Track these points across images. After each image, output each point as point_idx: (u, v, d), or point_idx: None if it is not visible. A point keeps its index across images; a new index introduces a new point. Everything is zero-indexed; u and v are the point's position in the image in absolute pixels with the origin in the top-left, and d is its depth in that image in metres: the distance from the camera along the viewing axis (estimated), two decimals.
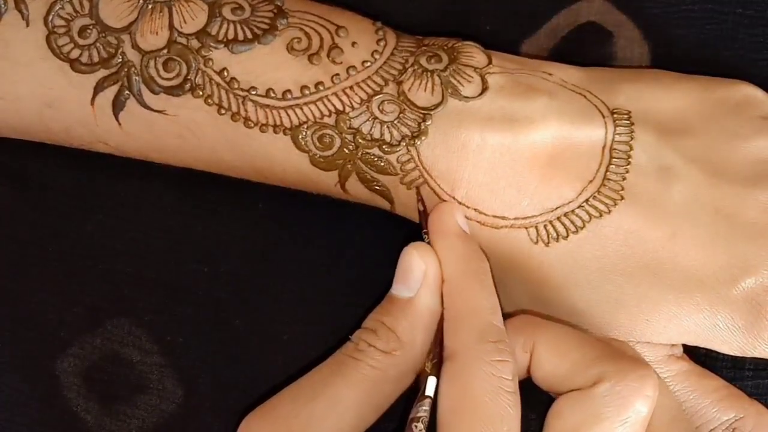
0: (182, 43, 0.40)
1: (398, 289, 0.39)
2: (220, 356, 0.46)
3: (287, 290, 0.46)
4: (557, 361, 0.37)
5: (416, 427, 0.35)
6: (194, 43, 0.40)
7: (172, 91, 0.40)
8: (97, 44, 0.41)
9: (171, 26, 0.40)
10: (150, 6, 0.41)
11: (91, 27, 0.41)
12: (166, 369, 0.46)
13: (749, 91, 0.42)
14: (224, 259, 0.46)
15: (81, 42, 0.41)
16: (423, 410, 0.36)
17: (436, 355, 0.38)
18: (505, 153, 0.40)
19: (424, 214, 0.40)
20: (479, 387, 0.36)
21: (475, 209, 0.40)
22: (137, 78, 0.41)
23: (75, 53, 0.41)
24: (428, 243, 0.40)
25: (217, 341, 0.46)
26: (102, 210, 0.44)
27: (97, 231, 0.47)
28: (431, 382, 0.37)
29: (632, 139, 0.40)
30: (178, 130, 0.41)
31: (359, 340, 0.38)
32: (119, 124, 0.41)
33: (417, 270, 0.39)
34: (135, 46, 0.40)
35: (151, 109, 0.41)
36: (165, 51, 0.40)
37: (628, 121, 0.41)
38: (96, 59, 0.41)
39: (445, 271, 0.39)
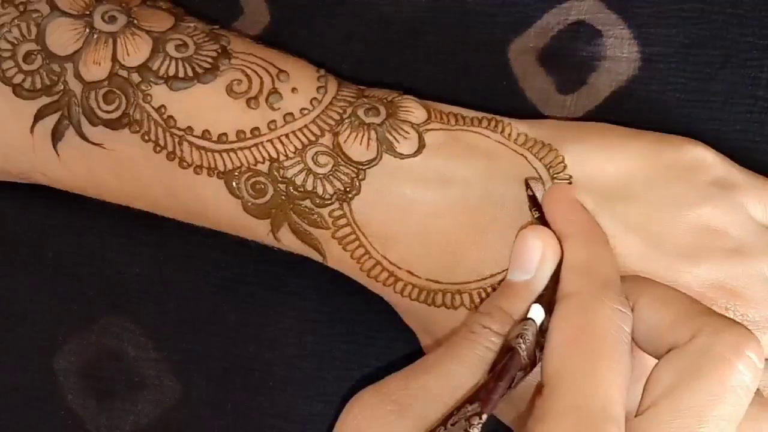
0: (123, 76, 0.40)
1: (514, 274, 0.38)
2: (215, 350, 0.46)
3: (282, 282, 0.46)
4: (660, 312, 0.35)
5: (519, 344, 0.35)
6: (135, 77, 0.40)
7: (111, 124, 0.40)
8: (41, 71, 0.40)
9: (114, 58, 0.40)
10: (96, 36, 0.40)
11: (36, 53, 0.40)
12: (162, 364, 0.46)
13: (698, 153, 0.40)
14: (217, 252, 0.46)
15: (25, 67, 0.40)
16: (524, 329, 0.35)
17: (547, 298, 0.37)
18: (438, 215, 0.39)
19: (533, 199, 0.39)
20: (600, 324, 0.34)
21: (407, 271, 0.39)
22: (77, 108, 0.40)
23: (18, 78, 0.40)
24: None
25: (212, 335, 0.46)
26: (94, 207, 0.44)
27: (90, 228, 0.47)
28: (536, 307, 0.36)
29: None
30: (114, 165, 0.41)
31: (473, 323, 0.36)
32: (57, 154, 0.41)
33: (534, 251, 0.37)
34: (77, 75, 0.40)
35: (90, 142, 0.40)
36: (106, 83, 0.40)
37: None
38: (39, 86, 0.40)
39: (567, 230, 0.38)
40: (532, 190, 0.39)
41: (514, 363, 0.35)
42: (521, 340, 0.35)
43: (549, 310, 0.36)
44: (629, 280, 0.37)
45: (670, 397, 0.33)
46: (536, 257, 0.37)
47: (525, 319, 0.36)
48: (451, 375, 0.35)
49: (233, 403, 0.46)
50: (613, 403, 0.33)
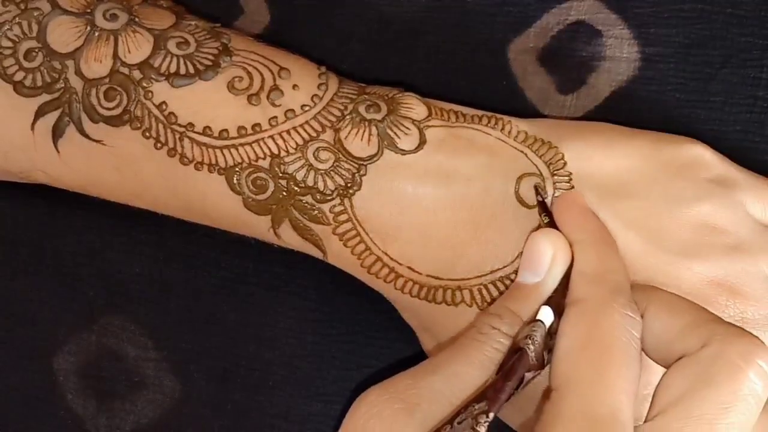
0: (124, 73, 0.40)
1: (525, 276, 0.38)
2: (216, 350, 0.46)
3: (282, 282, 0.46)
4: (669, 321, 0.35)
5: (527, 344, 0.35)
6: (136, 74, 0.40)
7: (112, 121, 0.40)
8: (42, 68, 0.40)
9: (115, 55, 0.40)
10: (97, 33, 0.40)
11: (37, 50, 0.40)
12: (162, 364, 0.46)
13: (697, 151, 0.40)
14: (217, 252, 0.46)
15: (26, 65, 0.40)
16: (533, 330, 0.35)
17: (556, 300, 0.37)
18: (439, 211, 0.39)
19: (542, 205, 0.39)
20: (610, 329, 0.34)
21: (408, 267, 0.39)
22: (78, 105, 0.40)
23: (19, 75, 0.40)
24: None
25: (212, 335, 0.46)
26: (94, 207, 0.44)
27: (90, 228, 0.47)
28: (545, 309, 0.36)
29: None
30: (115, 162, 0.41)
31: (482, 324, 0.36)
32: (58, 151, 0.41)
33: (545, 254, 0.37)
34: (78, 72, 0.40)
35: (90, 138, 0.40)
36: (107, 80, 0.40)
37: (568, 184, 0.39)
38: (39, 83, 0.40)
39: (577, 235, 0.38)
40: (542, 196, 0.39)
41: (523, 363, 0.35)
42: (530, 341, 0.35)
43: (558, 313, 0.36)
44: (638, 289, 0.37)
45: (681, 404, 0.33)
46: (547, 260, 0.37)
47: (534, 320, 0.36)
48: (459, 375, 0.35)
49: (233, 403, 0.46)
50: (622, 409, 0.33)
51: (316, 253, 0.41)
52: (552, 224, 0.39)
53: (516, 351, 0.35)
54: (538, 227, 0.39)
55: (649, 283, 0.38)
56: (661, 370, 0.35)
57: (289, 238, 0.41)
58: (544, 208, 0.39)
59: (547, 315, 0.36)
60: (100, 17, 0.41)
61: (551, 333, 0.36)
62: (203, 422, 0.46)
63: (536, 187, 0.39)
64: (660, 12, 0.43)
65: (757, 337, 0.34)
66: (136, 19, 0.41)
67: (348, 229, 0.40)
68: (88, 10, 0.41)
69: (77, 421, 0.47)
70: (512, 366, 0.35)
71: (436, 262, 0.39)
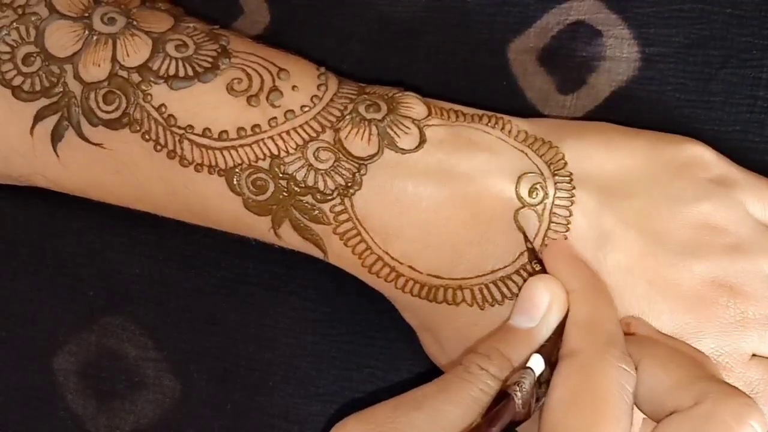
0: (123, 76, 0.40)
1: (518, 320, 0.37)
2: (216, 350, 0.46)
3: (282, 282, 0.46)
4: (662, 376, 0.35)
5: (515, 391, 0.34)
6: (135, 77, 0.40)
7: (111, 124, 0.40)
8: (40, 73, 0.40)
9: (113, 59, 0.40)
10: (95, 37, 0.40)
11: (35, 55, 0.40)
12: (162, 364, 0.46)
13: (697, 151, 0.40)
14: (217, 252, 0.46)
15: (24, 69, 0.40)
16: (522, 378, 0.35)
17: (547, 350, 0.37)
18: (439, 210, 0.39)
19: (532, 251, 0.39)
20: (604, 383, 0.34)
21: (409, 266, 0.39)
22: (77, 109, 0.40)
23: (17, 80, 0.40)
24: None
25: (212, 335, 0.46)
26: (94, 207, 0.44)
27: (90, 228, 0.47)
28: (536, 357, 0.36)
29: (572, 203, 0.39)
30: (114, 165, 0.41)
31: (471, 363, 0.36)
32: (57, 155, 0.41)
33: (542, 301, 0.37)
34: (77, 76, 0.40)
35: (90, 142, 0.40)
36: (106, 83, 0.40)
37: (569, 184, 0.39)
38: (38, 88, 0.40)
39: (570, 285, 0.37)
40: (531, 243, 0.39)
41: (509, 410, 0.34)
42: (518, 388, 0.35)
43: (548, 362, 0.36)
44: (633, 341, 0.37)
45: None
46: (543, 306, 0.37)
47: (524, 367, 0.36)
48: (442, 414, 0.34)
49: (233, 403, 0.46)
50: None
51: (316, 253, 0.41)
52: (543, 272, 0.39)
53: (503, 396, 0.35)
54: (532, 273, 0.39)
55: (649, 284, 0.39)
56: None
57: (289, 239, 0.41)
58: (534, 256, 0.39)
59: (537, 363, 0.36)
60: (98, 21, 0.41)
61: (540, 382, 0.35)
62: (203, 422, 0.46)
63: (523, 233, 0.39)
64: (660, 12, 0.43)
65: (750, 397, 0.34)
66: (134, 23, 0.41)
67: (348, 229, 0.39)
68: (86, 14, 0.41)
69: (77, 421, 0.47)
70: (498, 412, 0.34)
71: (436, 261, 0.39)
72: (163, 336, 0.46)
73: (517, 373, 0.35)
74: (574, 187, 0.39)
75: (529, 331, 0.37)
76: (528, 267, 0.39)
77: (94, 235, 0.47)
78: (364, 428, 0.34)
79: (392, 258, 0.39)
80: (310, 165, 0.39)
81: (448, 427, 0.34)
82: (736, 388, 0.35)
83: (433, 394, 0.35)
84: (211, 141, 0.39)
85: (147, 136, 0.40)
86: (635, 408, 0.36)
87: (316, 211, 0.40)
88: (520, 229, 0.39)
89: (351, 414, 0.34)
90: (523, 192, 0.39)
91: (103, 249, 0.47)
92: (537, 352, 0.36)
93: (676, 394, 0.35)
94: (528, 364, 0.36)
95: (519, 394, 0.35)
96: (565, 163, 0.40)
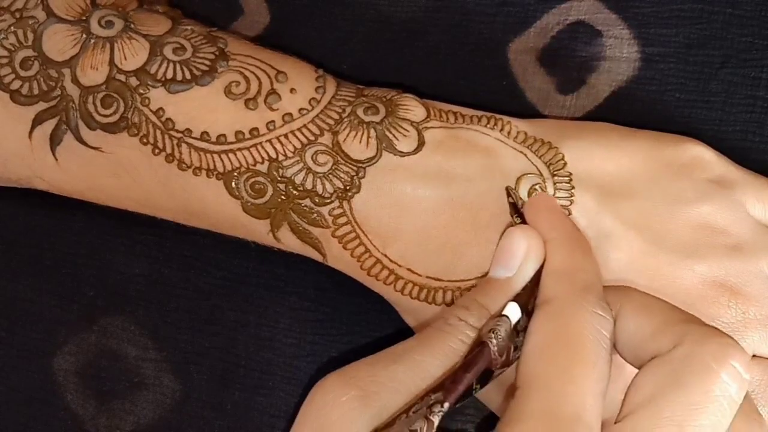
0: (120, 80, 0.40)
1: (496, 271, 0.37)
2: (215, 350, 0.46)
3: (282, 281, 0.46)
4: (641, 321, 0.35)
5: (490, 338, 0.34)
6: (132, 81, 0.40)
7: (109, 128, 0.40)
8: (38, 77, 0.40)
9: (111, 62, 0.40)
10: (93, 41, 0.40)
11: (33, 59, 0.40)
12: (162, 364, 0.46)
13: (698, 151, 0.40)
14: (217, 252, 0.46)
15: (22, 73, 0.40)
16: (497, 325, 0.35)
17: (524, 298, 0.36)
18: (439, 212, 0.39)
19: (514, 206, 0.39)
20: (579, 327, 0.34)
21: (408, 269, 0.39)
22: (75, 113, 0.40)
23: (15, 84, 0.40)
24: None
25: (212, 335, 0.46)
26: (94, 208, 0.44)
27: (90, 228, 0.47)
28: (512, 305, 0.36)
29: (572, 203, 0.39)
30: (113, 169, 0.41)
31: (450, 315, 0.36)
32: (56, 159, 0.41)
33: (518, 249, 0.37)
34: (75, 80, 0.40)
35: (88, 146, 0.40)
36: (104, 87, 0.40)
37: (568, 185, 0.39)
38: (36, 92, 0.40)
39: (549, 234, 0.37)
40: (513, 198, 0.39)
41: (484, 356, 0.34)
42: (493, 335, 0.35)
43: (526, 311, 0.36)
44: (613, 289, 0.37)
45: (651, 405, 0.33)
46: (520, 256, 0.37)
47: (499, 315, 0.36)
48: (422, 365, 0.34)
49: (233, 403, 0.46)
50: (587, 409, 0.33)
51: (315, 256, 0.41)
52: (524, 224, 0.38)
53: (479, 344, 0.35)
54: (511, 224, 0.39)
55: (649, 283, 0.38)
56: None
57: (288, 242, 0.41)
58: (515, 210, 0.39)
59: (513, 310, 0.36)
60: (96, 24, 0.41)
61: (518, 330, 0.35)
62: (203, 422, 0.46)
63: (507, 189, 0.39)
64: (660, 12, 0.43)
65: (731, 337, 0.34)
66: (132, 26, 0.41)
67: (347, 232, 0.39)
68: (84, 18, 0.41)
69: (77, 421, 0.46)
70: (473, 358, 0.34)
71: (436, 263, 0.39)
72: (163, 336, 0.46)
73: (493, 320, 0.35)
74: (573, 188, 0.39)
75: (507, 281, 0.37)
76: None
77: (94, 235, 0.47)
78: (345, 383, 0.33)
79: (391, 261, 0.39)
80: (309, 168, 0.39)
81: (426, 377, 0.34)
82: (716, 328, 0.35)
83: (413, 347, 0.35)
84: (209, 144, 0.39)
85: (145, 140, 0.40)
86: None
87: (315, 215, 0.40)
88: (507, 189, 0.39)
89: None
90: (523, 193, 0.39)
91: (103, 249, 0.47)
92: (514, 300, 0.36)
93: (655, 338, 0.34)
94: (503, 312, 0.35)
95: (494, 341, 0.34)
96: (565, 164, 0.40)
